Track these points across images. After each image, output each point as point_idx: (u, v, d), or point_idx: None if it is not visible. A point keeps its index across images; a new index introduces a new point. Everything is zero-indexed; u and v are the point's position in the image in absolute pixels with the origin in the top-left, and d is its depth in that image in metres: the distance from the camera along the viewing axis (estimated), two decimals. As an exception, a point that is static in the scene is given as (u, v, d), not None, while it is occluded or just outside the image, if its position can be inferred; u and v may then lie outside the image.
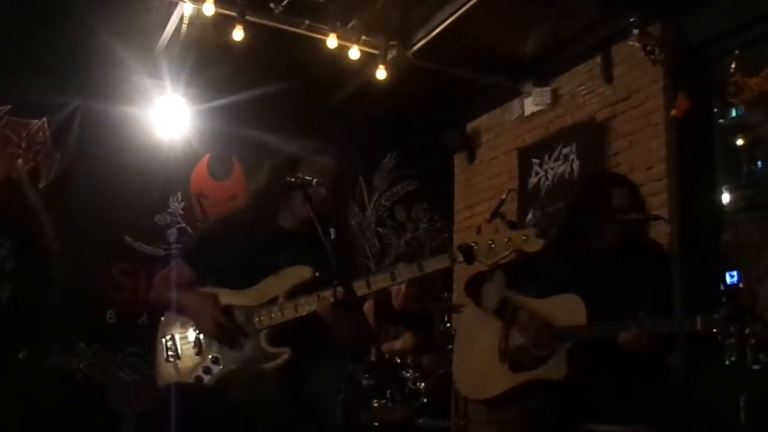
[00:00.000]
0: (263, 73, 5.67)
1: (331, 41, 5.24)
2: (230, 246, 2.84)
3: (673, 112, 4.76)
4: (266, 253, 2.79)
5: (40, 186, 5.46)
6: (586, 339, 2.91)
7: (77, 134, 5.63)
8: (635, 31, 4.84)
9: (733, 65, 4.54)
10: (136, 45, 5.39)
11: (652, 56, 4.88)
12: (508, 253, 2.51)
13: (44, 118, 5.57)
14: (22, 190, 2.74)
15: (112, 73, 5.48)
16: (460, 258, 2.54)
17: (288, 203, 2.85)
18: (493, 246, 2.51)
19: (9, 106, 5.42)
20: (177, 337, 2.80)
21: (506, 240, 2.50)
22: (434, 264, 2.60)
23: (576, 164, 5.52)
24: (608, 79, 5.36)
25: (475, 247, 2.52)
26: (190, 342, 2.78)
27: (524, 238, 2.50)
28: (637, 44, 4.92)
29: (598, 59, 5.42)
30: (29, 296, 2.57)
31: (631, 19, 4.84)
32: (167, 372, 2.78)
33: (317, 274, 2.66)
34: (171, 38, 5.31)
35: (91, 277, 5.47)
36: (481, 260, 2.52)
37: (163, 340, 2.82)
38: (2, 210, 2.60)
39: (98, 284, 5.55)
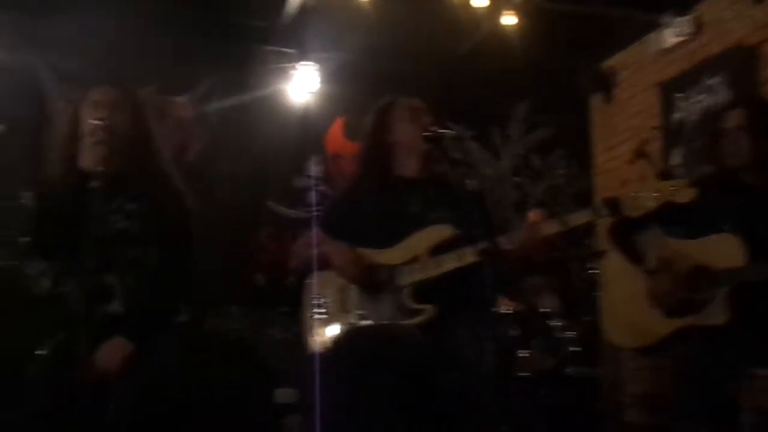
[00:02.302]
0: (390, 30, 5.66)
1: (456, -10, 5.16)
2: (360, 209, 2.90)
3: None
4: (396, 206, 2.83)
5: (188, 160, 5.76)
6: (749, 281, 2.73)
7: (217, 107, 5.87)
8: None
9: None
10: (266, 15, 5.54)
11: (806, -31, 4.48)
12: (655, 205, 2.44)
13: (187, 95, 5.84)
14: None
15: (245, 44, 5.64)
16: (605, 211, 2.50)
17: (407, 152, 2.89)
18: (639, 198, 2.45)
19: (155, 87, 5.71)
20: (326, 295, 2.89)
21: (654, 192, 2.44)
22: (577, 219, 2.57)
23: (724, 95, 5.18)
24: (757, -1, 4.96)
25: (621, 200, 2.46)
26: (337, 300, 2.87)
27: (673, 188, 2.44)
28: (789, -43, 4.54)
29: (745, -22, 5.03)
30: (177, 260, 2.72)
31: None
32: (316, 329, 2.88)
33: (457, 233, 2.67)
34: (300, 5, 5.41)
35: (239, 243, 5.72)
36: (627, 213, 2.47)
37: (312, 299, 2.92)
38: (139, 175, 2.75)
39: (246, 250, 5.79)
